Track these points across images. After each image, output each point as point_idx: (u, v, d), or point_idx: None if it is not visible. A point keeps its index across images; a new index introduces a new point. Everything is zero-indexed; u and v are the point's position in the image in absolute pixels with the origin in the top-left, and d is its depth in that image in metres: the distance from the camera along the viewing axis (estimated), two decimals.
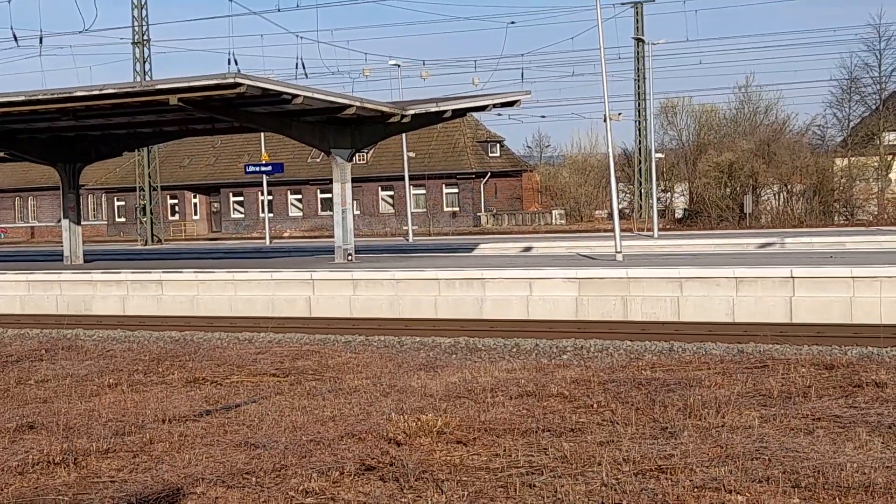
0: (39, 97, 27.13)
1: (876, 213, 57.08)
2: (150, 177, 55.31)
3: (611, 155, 29.38)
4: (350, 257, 29.23)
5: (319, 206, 73.68)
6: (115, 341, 19.89)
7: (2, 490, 8.59)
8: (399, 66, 51.02)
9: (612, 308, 21.36)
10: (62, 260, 34.66)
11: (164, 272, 26.93)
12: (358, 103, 27.62)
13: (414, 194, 65.06)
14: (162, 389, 13.24)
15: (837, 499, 7.57)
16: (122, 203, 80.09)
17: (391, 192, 71.96)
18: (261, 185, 58.09)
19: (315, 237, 60.78)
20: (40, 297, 27.84)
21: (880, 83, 66.80)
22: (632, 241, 36.85)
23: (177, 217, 77.63)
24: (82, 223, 36.76)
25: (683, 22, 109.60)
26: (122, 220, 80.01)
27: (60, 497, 8.34)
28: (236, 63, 55.44)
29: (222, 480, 8.59)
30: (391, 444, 9.64)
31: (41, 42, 53.79)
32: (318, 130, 29.47)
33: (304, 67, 65.67)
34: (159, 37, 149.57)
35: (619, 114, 52.41)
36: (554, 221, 68.32)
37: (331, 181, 30.30)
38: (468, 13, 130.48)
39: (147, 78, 52.51)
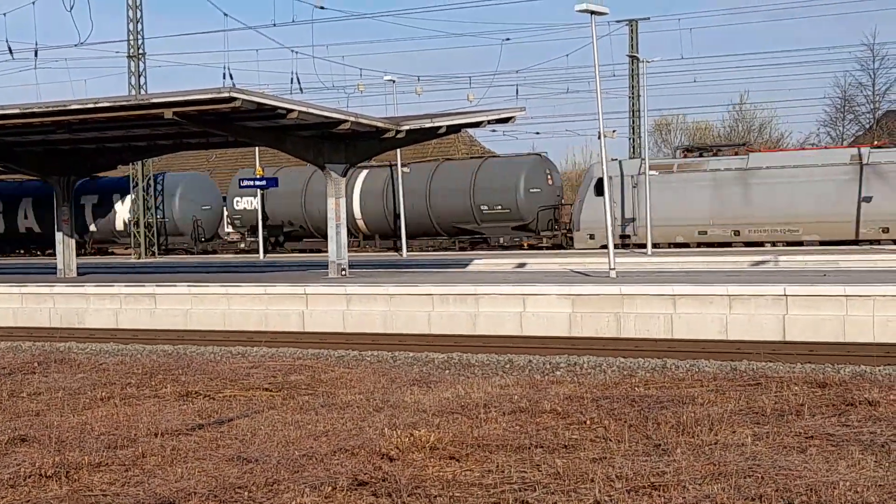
0: (34, 110, 27.13)
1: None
2: (144, 190, 55.28)
3: (605, 172, 29.42)
4: (344, 272, 29.21)
5: None
6: (107, 354, 19.86)
7: None
8: (394, 81, 51.00)
9: (606, 325, 21.37)
10: (56, 273, 34.61)
11: (157, 286, 26.91)
12: (353, 118, 27.64)
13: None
14: (154, 403, 13.22)
15: None
16: None
17: None
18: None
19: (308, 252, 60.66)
20: (33, 309, 27.80)
21: (874, 102, 67.06)
22: (625, 258, 36.88)
23: None
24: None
25: (678, 40, 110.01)
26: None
27: None
28: (231, 77, 55.45)
29: (214, 495, 8.58)
30: (384, 459, 9.64)
31: (36, 55, 53.68)
32: (312, 145, 29.47)
33: (299, 82, 65.65)
34: (154, 50, 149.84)
35: (614, 131, 52.49)
36: None
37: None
38: (463, 30, 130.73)
39: (142, 91, 52.53)
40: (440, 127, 30.08)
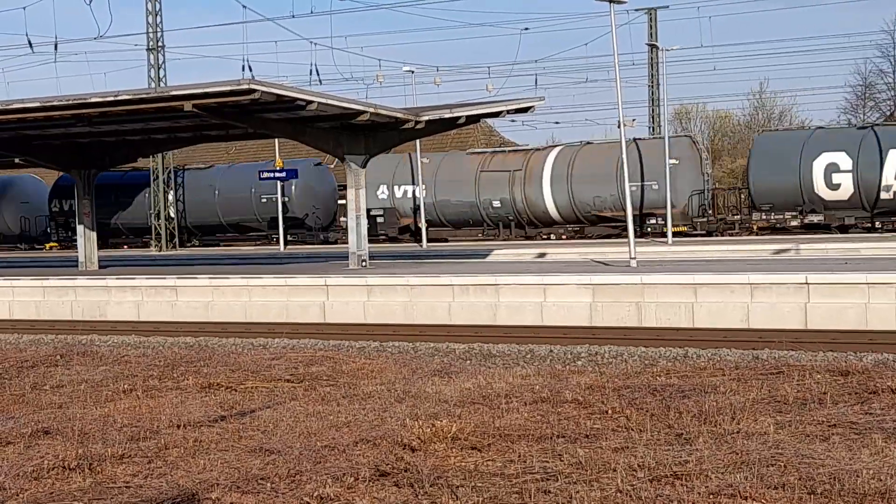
0: (54, 103, 27.23)
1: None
2: (164, 182, 55.45)
3: (625, 161, 29.30)
4: (364, 263, 29.24)
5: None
6: (129, 347, 19.93)
7: (17, 495, 8.61)
8: (413, 72, 50.98)
9: (627, 314, 21.33)
10: (77, 266, 34.76)
11: (178, 278, 26.98)
12: (372, 109, 27.65)
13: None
14: (177, 395, 13.26)
15: None
16: None
17: None
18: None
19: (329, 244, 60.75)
20: (55, 302, 27.92)
21: (895, 89, 66.65)
22: (646, 246, 36.80)
23: None
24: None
25: (697, 28, 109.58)
26: None
27: (76, 502, 8.36)
28: (250, 69, 55.47)
29: (237, 486, 8.60)
30: (406, 449, 9.64)
31: (56, 48, 54.06)
32: (332, 136, 29.51)
33: (318, 73, 65.78)
34: (174, 43, 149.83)
35: (633, 120, 52.25)
36: None
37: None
38: (482, 20, 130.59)
39: (161, 84, 52.67)
40: (459, 117, 30.07)
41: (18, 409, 12.56)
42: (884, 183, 43.07)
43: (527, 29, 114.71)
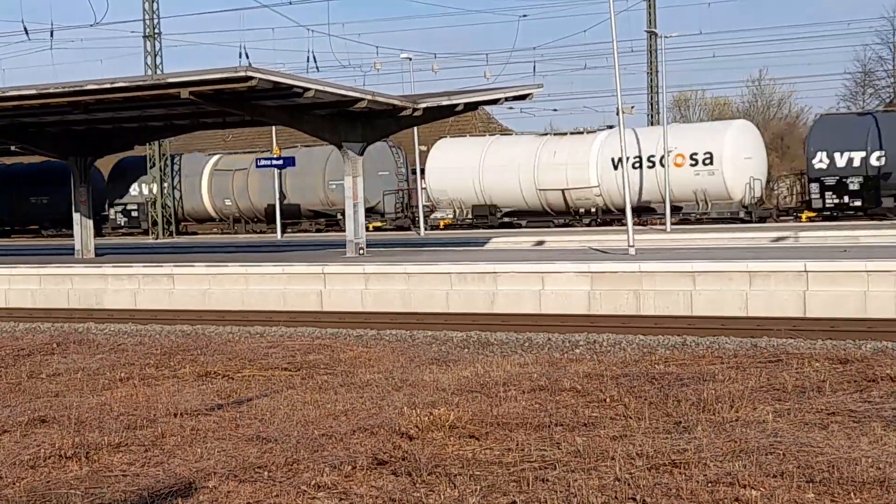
0: (50, 91, 27.14)
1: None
2: (161, 170, 55.38)
3: (623, 148, 29.27)
4: (362, 251, 29.20)
5: None
6: (126, 335, 19.89)
7: (14, 484, 8.59)
8: (410, 59, 50.93)
9: (625, 302, 21.30)
10: (73, 254, 34.70)
11: (175, 266, 26.93)
12: (369, 97, 27.58)
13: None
14: (173, 383, 13.24)
15: (852, 494, 7.52)
16: None
17: None
18: None
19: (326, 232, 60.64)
20: (52, 290, 27.87)
21: (894, 76, 66.60)
22: (644, 234, 36.76)
23: None
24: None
25: (697, 15, 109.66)
26: None
27: (72, 491, 8.33)
28: (247, 56, 55.59)
29: (234, 474, 8.58)
30: (403, 438, 9.62)
31: (52, 35, 54.37)
32: (329, 124, 29.43)
33: (315, 61, 65.70)
34: (170, 30, 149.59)
35: (632, 107, 52.05)
36: None
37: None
38: (480, 6, 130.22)
39: (158, 71, 52.60)
40: (457, 104, 30.00)
41: (15, 397, 12.54)
42: None
43: (525, 16, 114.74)
